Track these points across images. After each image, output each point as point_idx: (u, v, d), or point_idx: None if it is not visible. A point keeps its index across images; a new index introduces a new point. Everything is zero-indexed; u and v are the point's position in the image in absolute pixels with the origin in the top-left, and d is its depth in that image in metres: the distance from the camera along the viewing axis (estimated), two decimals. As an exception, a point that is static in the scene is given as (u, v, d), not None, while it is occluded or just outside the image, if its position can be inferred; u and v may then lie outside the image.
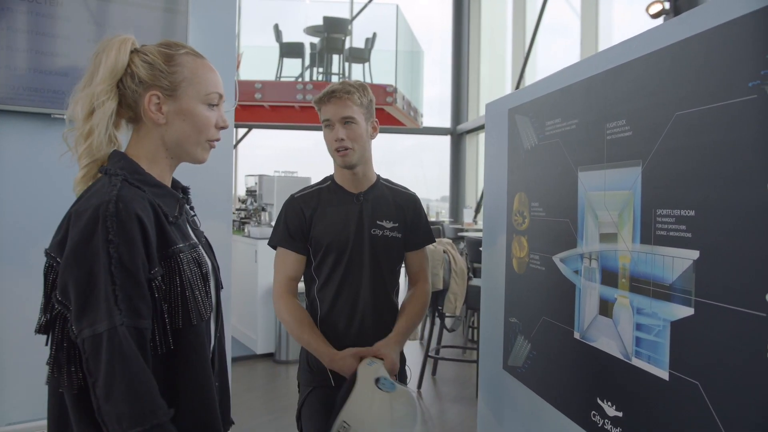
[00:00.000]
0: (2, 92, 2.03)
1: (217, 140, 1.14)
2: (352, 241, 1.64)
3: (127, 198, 0.96)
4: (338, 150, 1.64)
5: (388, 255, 1.68)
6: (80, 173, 1.07)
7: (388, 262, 1.69)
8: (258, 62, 8.81)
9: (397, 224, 1.70)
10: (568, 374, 1.43)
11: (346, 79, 1.74)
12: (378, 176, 1.78)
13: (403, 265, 1.79)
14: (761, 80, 0.86)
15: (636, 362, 1.16)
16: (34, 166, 2.14)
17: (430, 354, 4.41)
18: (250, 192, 6.03)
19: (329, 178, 1.76)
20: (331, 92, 1.65)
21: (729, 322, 0.92)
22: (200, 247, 1.14)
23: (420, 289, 1.78)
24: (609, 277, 1.25)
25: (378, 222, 1.68)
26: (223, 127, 1.13)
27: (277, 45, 8.31)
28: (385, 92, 7.62)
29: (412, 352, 4.66)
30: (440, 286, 4.07)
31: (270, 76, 8.27)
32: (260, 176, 5.71)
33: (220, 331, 1.22)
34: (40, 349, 2.32)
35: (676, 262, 1.03)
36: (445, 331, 4.49)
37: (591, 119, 1.32)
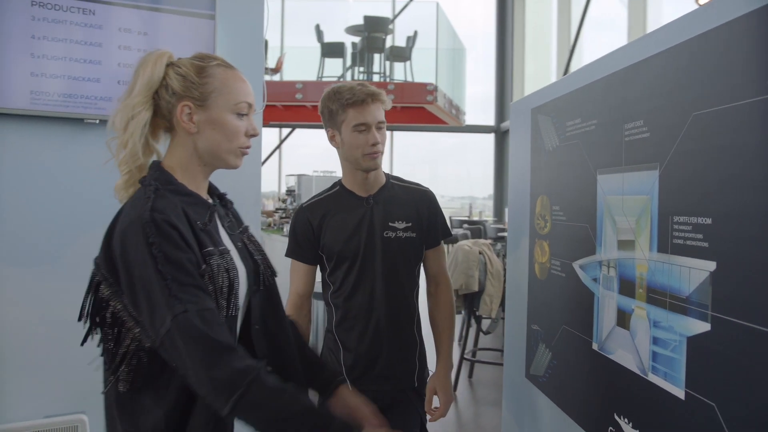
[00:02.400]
0: (38, 98, 2.10)
1: (248, 147, 1.15)
2: (363, 247, 1.60)
3: (161, 208, 1.00)
4: (372, 154, 1.57)
5: (403, 257, 1.63)
6: (121, 179, 1.12)
7: (405, 264, 1.63)
8: (300, 63, 8.92)
9: (410, 224, 1.64)
10: (586, 386, 1.36)
11: (362, 81, 1.68)
12: (387, 176, 1.72)
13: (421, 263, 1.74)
14: (780, 77, 0.79)
15: (652, 378, 1.09)
16: (68, 170, 2.21)
17: (465, 356, 4.35)
18: (290, 191, 6.10)
19: (338, 184, 1.71)
20: (373, 94, 1.56)
21: (746, 341, 0.85)
22: (230, 252, 1.15)
23: (443, 293, 1.74)
24: (627, 287, 1.18)
25: (390, 224, 1.62)
26: (253, 135, 1.14)
27: (318, 45, 8.38)
28: (425, 90, 7.58)
29: (449, 353, 4.61)
30: (475, 288, 4.00)
31: (312, 77, 8.35)
32: (299, 176, 5.77)
33: (277, 325, 1.23)
34: (75, 346, 2.38)
35: (693, 273, 0.96)
36: (481, 333, 4.41)
37: (610, 119, 1.26)
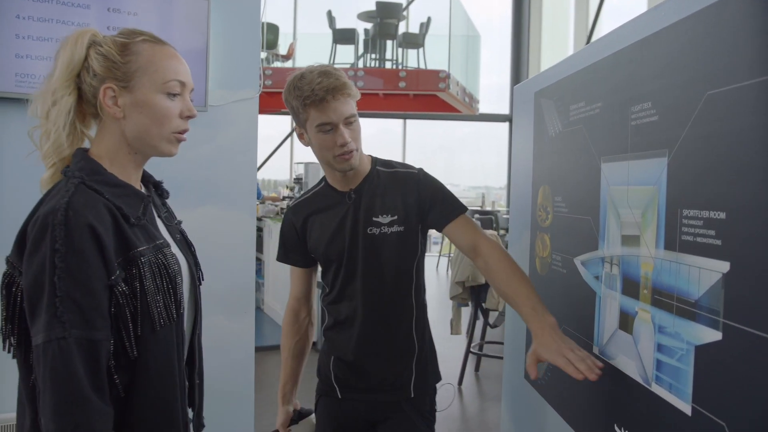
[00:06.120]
0: (24, 81, 2.02)
1: (185, 131, 1.05)
2: (347, 248, 1.44)
3: (78, 205, 0.91)
4: (344, 155, 1.38)
5: (391, 254, 1.43)
6: (47, 173, 1.03)
7: (395, 262, 1.44)
8: (312, 49, 8.80)
9: (395, 216, 1.43)
10: (586, 393, 1.26)
11: (328, 66, 1.39)
12: (375, 161, 1.51)
13: (416, 261, 1.50)
14: (809, 48, 0.67)
15: (656, 389, 0.98)
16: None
17: (472, 350, 4.25)
18: (298, 180, 6.03)
19: (323, 180, 1.53)
20: (334, 90, 1.32)
21: (762, 353, 0.74)
22: (171, 246, 1.08)
23: (490, 256, 1.35)
24: (630, 287, 1.07)
25: (374, 219, 1.43)
26: (189, 117, 1.04)
27: (330, 32, 8.25)
28: (437, 78, 7.43)
29: (456, 346, 4.52)
30: (482, 280, 3.89)
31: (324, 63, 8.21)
32: (306, 164, 5.69)
33: (199, 328, 1.16)
34: None
35: (703, 274, 0.85)
36: (489, 326, 4.30)
37: (616, 102, 1.14)
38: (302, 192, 1.59)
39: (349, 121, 1.37)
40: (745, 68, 0.78)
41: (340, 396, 1.50)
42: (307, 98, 1.32)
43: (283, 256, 1.58)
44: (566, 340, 1.11)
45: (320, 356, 1.59)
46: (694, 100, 0.88)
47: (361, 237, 1.44)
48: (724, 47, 0.82)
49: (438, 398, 1.57)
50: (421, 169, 1.49)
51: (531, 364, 1.14)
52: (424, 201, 1.44)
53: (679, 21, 0.94)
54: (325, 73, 1.34)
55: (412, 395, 1.47)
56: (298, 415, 1.60)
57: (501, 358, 4.38)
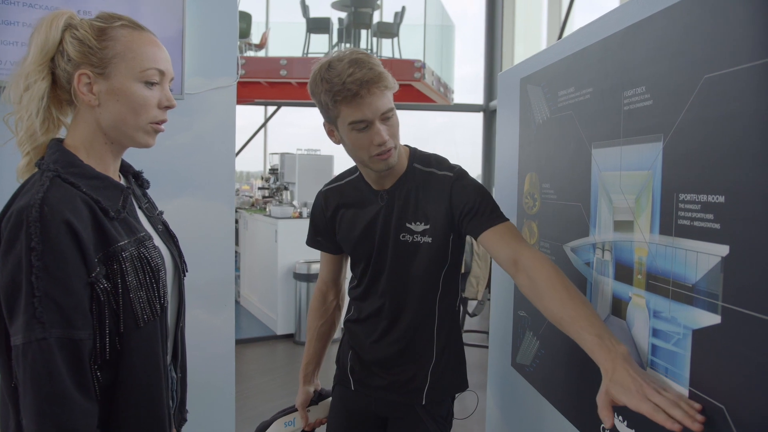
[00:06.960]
0: (-11, 66, 1.94)
1: (163, 121, 1.01)
2: (376, 251, 1.38)
3: (54, 200, 0.87)
4: (381, 154, 1.25)
5: (420, 264, 1.35)
6: (23, 160, 0.99)
7: (421, 271, 1.36)
8: (285, 39, 8.68)
9: (428, 226, 1.32)
10: (577, 379, 1.26)
11: (360, 51, 1.23)
12: (412, 155, 1.39)
13: (446, 268, 1.41)
14: (814, 28, 0.67)
15: (651, 373, 0.98)
16: None
17: (451, 339, 4.28)
18: (273, 170, 5.95)
19: (356, 169, 1.43)
20: (368, 83, 1.17)
21: (762, 336, 0.74)
22: (153, 237, 1.05)
23: (535, 269, 1.10)
24: (623, 272, 1.07)
25: (407, 225, 1.33)
26: (168, 107, 1.01)
27: (304, 20, 8.14)
28: (413, 67, 7.40)
29: (434, 336, 4.54)
30: (461, 269, 3.91)
31: (298, 53, 8.12)
32: (282, 154, 5.62)
33: (183, 321, 1.14)
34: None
35: (701, 258, 0.85)
36: (468, 315, 4.33)
37: (607, 87, 1.13)
38: (337, 175, 1.51)
39: (387, 116, 1.23)
40: (744, 51, 0.78)
41: (353, 388, 1.50)
42: (338, 93, 1.18)
43: (312, 240, 1.54)
44: (647, 377, 0.87)
45: (340, 345, 1.58)
46: (691, 83, 0.88)
47: (391, 242, 1.37)
48: (722, 30, 0.82)
49: (460, 406, 1.55)
50: (457, 172, 1.36)
51: (604, 407, 0.89)
52: (456, 209, 1.31)
53: (673, 5, 0.93)
54: (356, 62, 1.19)
55: (424, 403, 1.43)
56: (318, 396, 1.60)
57: (481, 346, 4.43)
